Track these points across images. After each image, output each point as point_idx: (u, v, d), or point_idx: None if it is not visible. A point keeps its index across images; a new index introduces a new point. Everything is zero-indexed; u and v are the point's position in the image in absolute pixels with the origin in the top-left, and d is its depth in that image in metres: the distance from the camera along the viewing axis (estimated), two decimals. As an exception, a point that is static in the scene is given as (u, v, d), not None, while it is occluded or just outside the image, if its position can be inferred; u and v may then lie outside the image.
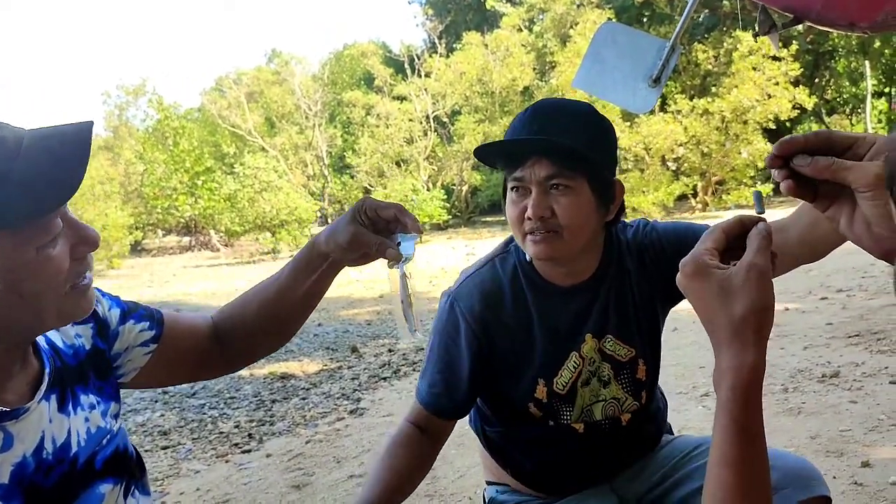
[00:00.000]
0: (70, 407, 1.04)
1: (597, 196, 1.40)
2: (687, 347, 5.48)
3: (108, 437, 1.09)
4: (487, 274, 1.53)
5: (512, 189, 1.42)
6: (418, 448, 1.48)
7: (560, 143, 1.36)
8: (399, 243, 1.16)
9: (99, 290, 1.17)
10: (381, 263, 1.21)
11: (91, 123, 0.93)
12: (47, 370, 1.02)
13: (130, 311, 1.21)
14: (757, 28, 2.28)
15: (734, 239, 0.84)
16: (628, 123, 20.28)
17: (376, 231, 1.17)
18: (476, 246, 17.18)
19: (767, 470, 0.76)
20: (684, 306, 1.13)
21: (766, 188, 17.47)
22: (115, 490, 1.08)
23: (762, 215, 0.85)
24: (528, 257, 1.49)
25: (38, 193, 0.86)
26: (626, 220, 1.60)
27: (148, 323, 1.21)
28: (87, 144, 0.90)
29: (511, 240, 1.56)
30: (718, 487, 0.76)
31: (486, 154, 1.45)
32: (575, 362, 1.48)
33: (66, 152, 0.89)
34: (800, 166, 0.76)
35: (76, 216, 0.96)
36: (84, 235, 0.94)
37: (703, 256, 0.81)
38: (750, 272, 0.77)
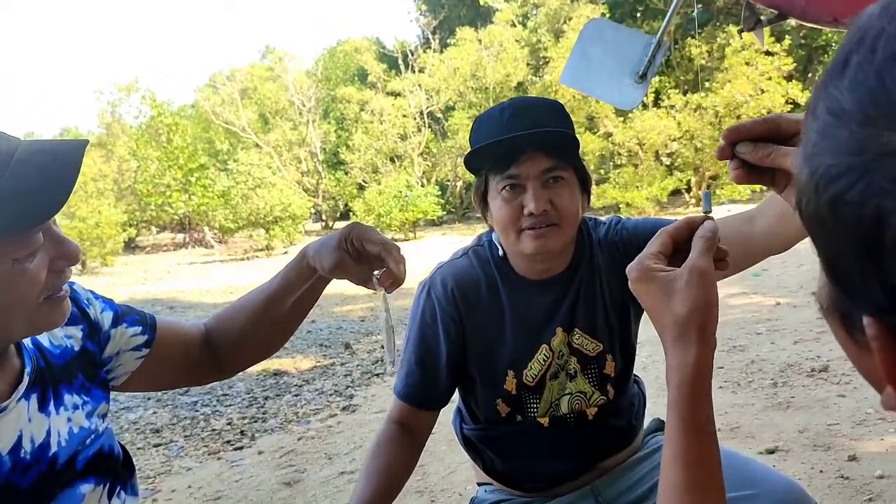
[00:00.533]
0: (51, 406, 1.04)
1: (580, 185, 1.46)
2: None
3: (93, 437, 1.09)
4: (462, 264, 1.56)
5: (504, 188, 1.42)
6: (401, 448, 1.49)
7: (557, 135, 1.39)
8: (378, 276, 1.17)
9: (92, 293, 1.18)
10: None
11: (85, 143, 0.93)
12: (28, 369, 1.02)
13: (123, 315, 1.20)
14: (742, 24, 2.28)
15: (683, 241, 0.86)
16: (622, 119, 20.30)
17: (359, 259, 1.17)
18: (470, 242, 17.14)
19: (718, 466, 0.77)
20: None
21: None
22: (97, 490, 1.07)
23: (709, 214, 0.87)
24: (500, 252, 1.52)
25: (22, 209, 0.85)
26: (600, 218, 1.64)
27: (140, 328, 1.22)
28: (78, 164, 0.90)
29: (484, 235, 1.59)
30: (669, 485, 0.77)
31: (479, 155, 1.45)
32: (545, 355, 1.51)
33: (56, 170, 0.88)
34: (742, 154, 0.79)
35: (59, 228, 0.96)
36: (64, 250, 0.94)
37: (646, 261, 0.84)
38: (692, 274, 0.79)
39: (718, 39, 21.10)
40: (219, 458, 4.16)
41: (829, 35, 21.92)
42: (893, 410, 0.40)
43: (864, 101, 0.36)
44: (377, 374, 5.88)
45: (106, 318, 1.18)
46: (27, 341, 1.05)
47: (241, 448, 4.31)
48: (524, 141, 1.38)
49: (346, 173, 27.87)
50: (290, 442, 4.32)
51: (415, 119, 27.51)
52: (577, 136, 1.47)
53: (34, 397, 1.02)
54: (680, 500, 0.76)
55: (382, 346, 1.38)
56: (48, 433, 1.02)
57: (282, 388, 5.69)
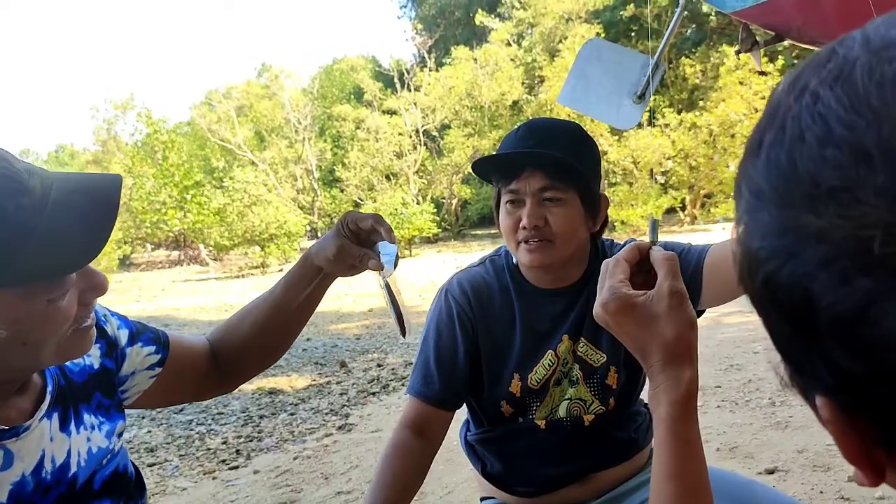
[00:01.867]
0: (72, 426, 1.04)
1: (585, 208, 1.49)
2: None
3: (109, 456, 1.09)
4: (479, 272, 1.64)
5: (507, 201, 1.50)
6: (413, 457, 1.50)
7: (554, 156, 1.44)
8: (380, 253, 1.23)
9: (108, 309, 1.18)
10: (372, 274, 1.26)
11: (120, 180, 0.92)
12: (49, 388, 1.01)
13: (139, 334, 1.20)
14: (739, 46, 2.30)
15: (635, 265, 0.87)
16: (616, 137, 20.41)
17: (360, 242, 1.22)
18: (466, 259, 17.17)
19: (706, 479, 0.79)
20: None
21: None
22: None
23: (655, 243, 0.89)
24: (514, 261, 1.59)
25: (61, 254, 0.84)
26: (616, 241, 1.69)
27: (154, 346, 1.21)
28: (116, 205, 0.89)
29: (503, 246, 1.65)
30: (661, 501, 0.78)
31: (483, 167, 1.54)
32: (550, 360, 1.55)
33: (93, 212, 0.87)
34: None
35: None
36: (94, 283, 0.94)
37: (621, 289, 0.83)
38: (673, 297, 0.81)
39: (712, 59, 21.29)
40: (214, 478, 4.12)
41: (822, 55, 22.14)
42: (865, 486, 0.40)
43: (778, 182, 0.36)
44: (373, 393, 5.85)
45: (122, 336, 1.17)
46: None
47: (236, 467, 4.27)
48: (522, 159, 1.46)
49: (342, 191, 27.93)
50: (285, 461, 4.28)
51: (410, 137, 27.62)
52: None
53: (55, 416, 1.01)
54: None
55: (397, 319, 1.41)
56: (68, 453, 1.01)
57: (277, 407, 5.65)
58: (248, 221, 20.75)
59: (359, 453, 4.28)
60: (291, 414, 5.41)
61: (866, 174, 0.31)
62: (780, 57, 19.49)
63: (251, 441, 4.78)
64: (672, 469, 0.78)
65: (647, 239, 0.89)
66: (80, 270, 0.91)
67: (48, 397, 1.01)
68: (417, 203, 24.71)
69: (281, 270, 19.80)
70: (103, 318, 1.15)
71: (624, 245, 1.60)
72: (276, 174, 28.80)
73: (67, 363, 1.08)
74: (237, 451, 4.56)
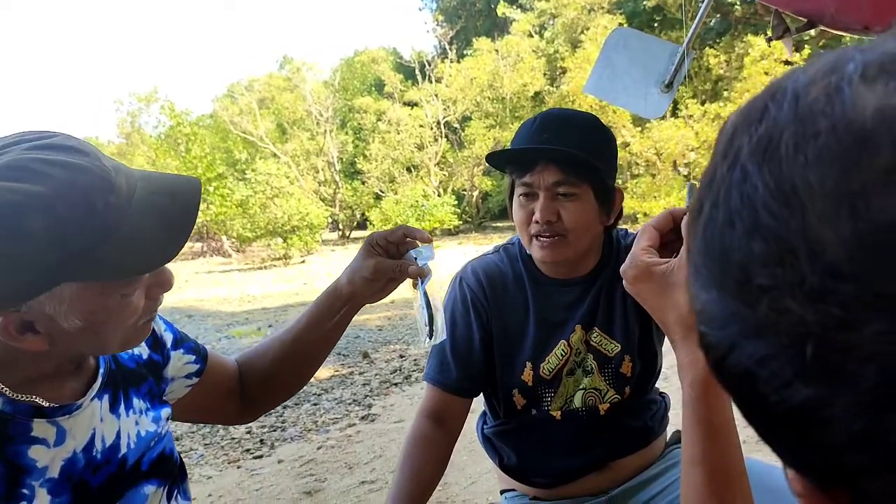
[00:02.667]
0: (122, 408, 1.07)
1: (599, 202, 1.48)
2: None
3: (156, 439, 1.12)
4: (493, 260, 1.64)
5: (520, 194, 1.49)
6: (435, 445, 1.51)
7: (567, 152, 1.43)
8: (416, 258, 1.25)
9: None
10: (404, 285, 1.28)
11: (199, 184, 0.95)
12: (101, 370, 1.05)
13: (182, 340, 1.23)
14: (770, 33, 2.26)
15: (668, 233, 0.85)
16: (639, 128, 20.26)
17: (390, 257, 1.25)
18: (487, 251, 17.14)
19: (738, 465, 0.74)
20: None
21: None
22: (158, 492, 1.10)
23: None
24: (528, 249, 1.57)
25: (141, 255, 0.87)
26: (631, 231, 1.68)
27: (194, 357, 1.24)
28: (196, 209, 0.92)
29: (517, 236, 1.64)
30: (689, 487, 0.75)
31: (497, 160, 1.54)
32: (563, 350, 1.55)
33: (174, 214, 0.90)
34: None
35: None
36: (162, 279, 0.97)
37: (641, 257, 0.81)
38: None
39: (737, 49, 21.04)
40: (238, 467, 4.16)
41: (850, 44, 21.82)
42: None
43: (713, 266, 0.34)
44: (396, 384, 5.87)
45: (168, 338, 1.21)
46: None
47: (260, 457, 4.30)
48: (537, 153, 1.45)
49: (363, 183, 27.99)
50: (309, 451, 4.31)
51: (431, 129, 27.60)
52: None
53: (106, 398, 1.05)
54: None
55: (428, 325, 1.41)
56: (118, 435, 1.05)
57: (300, 397, 5.68)
58: (271, 213, 20.84)
59: (382, 443, 4.30)
60: (315, 404, 5.44)
61: (793, 274, 0.29)
62: (806, 46, 19.23)
63: (275, 431, 4.82)
64: (696, 454, 0.74)
65: (685, 205, 0.86)
66: None
67: (99, 379, 1.04)
68: (438, 195, 24.72)
69: (303, 262, 19.92)
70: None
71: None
72: (297, 166, 28.92)
73: None
74: (261, 441, 4.60)
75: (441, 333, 1.24)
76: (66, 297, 0.85)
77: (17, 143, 0.83)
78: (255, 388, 1.33)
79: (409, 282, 1.26)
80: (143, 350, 1.16)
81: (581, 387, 1.57)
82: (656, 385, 1.70)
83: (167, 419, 1.17)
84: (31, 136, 0.85)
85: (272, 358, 1.31)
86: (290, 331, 1.30)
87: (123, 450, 1.04)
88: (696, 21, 2.55)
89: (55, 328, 0.87)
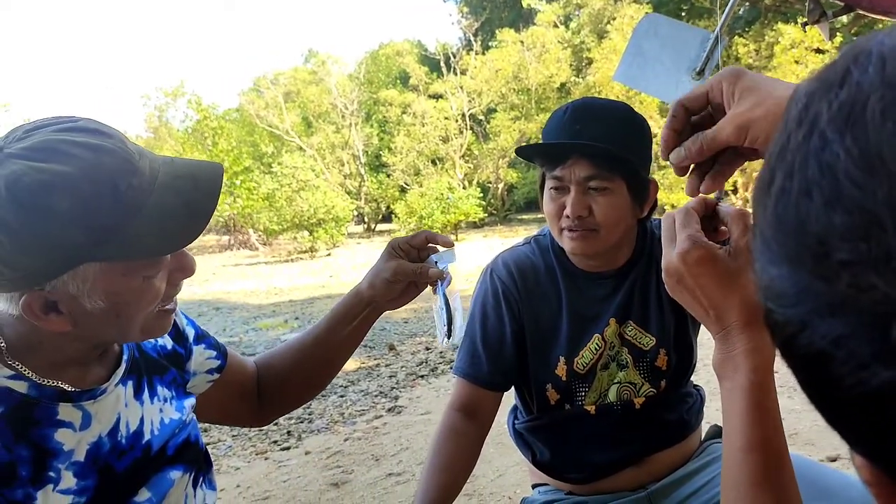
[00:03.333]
0: (145, 395, 1.08)
1: (633, 195, 1.45)
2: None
3: (181, 426, 1.12)
4: (524, 251, 1.61)
5: (551, 187, 1.46)
6: (465, 439, 1.49)
7: (600, 147, 1.39)
8: (436, 262, 1.26)
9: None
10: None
11: (221, 169, 0.97)
12: (125, 357, 1.06)
13: (203, 336, 1.25)
14: (807, 17, 2.21)
15: (704, 221, 0.82)
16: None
17: (412, 261, 1.25)
18: (512, 244, 17.09)
19: (787, 453, 0.74)
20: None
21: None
22: (184, 477, 1.10)
23: (720, 201, 0.83)
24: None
25: (164, 235, 0.88)
26: None
27: (215, 353, 1.25)
28: (218, 192, 0.93)
29: (547, 226, 1.61)
30: (740, 474, 0.73)
31: (527, 153, 1.51)
32: (597, 344, 1.52)
33: (197, 197, 0.91)
34: (682, 162, 0.76)
35: None
36: (184, 264, 0.98)
37: (702, 238, 0.77)
38: (752, 254, 0.75)
39: (767, 37, 20.71)
40: (266, 458, 4.18)
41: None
42: None
43: (787, 240, 0.32)
44: (422, 376, 5.87)
45: (190, 333, 1.22)
46: None
47: (287, 448, 4.32)
48: (568, 148, 1.42)
49: (388, 176, 28.03)
50: (336, 443, 4.32)
51: (456, 121, 27.55)
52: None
53: (130, 384, 1.06)
54: (753, 491, 0.71)
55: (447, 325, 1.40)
56: (141, 421, 1.05)
57: (327, 389, 5.69)
58: (297, 206, 20.96)
59: (409, 435, 4.29)
60: (341, 396, 5.46)
61: (879, 248, 0.27)
62: (838, 34, 18.88)
63: (302, 423, 4.84)
64: (755, 440, 0.73)
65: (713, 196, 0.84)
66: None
67: (123, 365, 1.05)
68: (463, 187, 24.67)
69: (329, 255, 20.02)
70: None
71: None
72: (323, 159, 29.02)
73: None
74: (288, 433, 4.62)
75: (459, 334, 1.25)
76: (89, 277, 0.86)
77: (44, 126, 0.85)
78: (272, 390, 1.33)
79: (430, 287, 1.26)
80: (166, 341, 1.17)
81: (616, 381, 1.54)
82: (690, 378, 1.67)
83: (192, 408, 1.17)
84: (56, 120, 0.87)
85: (291, 360, 1.31)
86: (310, 333, 1.31)
87: (147, 436, 1.05)
88: (728, 5, 2.49)
89: (78, 309, 0.88)
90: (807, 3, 2.20)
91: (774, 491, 0.71)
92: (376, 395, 5.39)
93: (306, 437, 4.50)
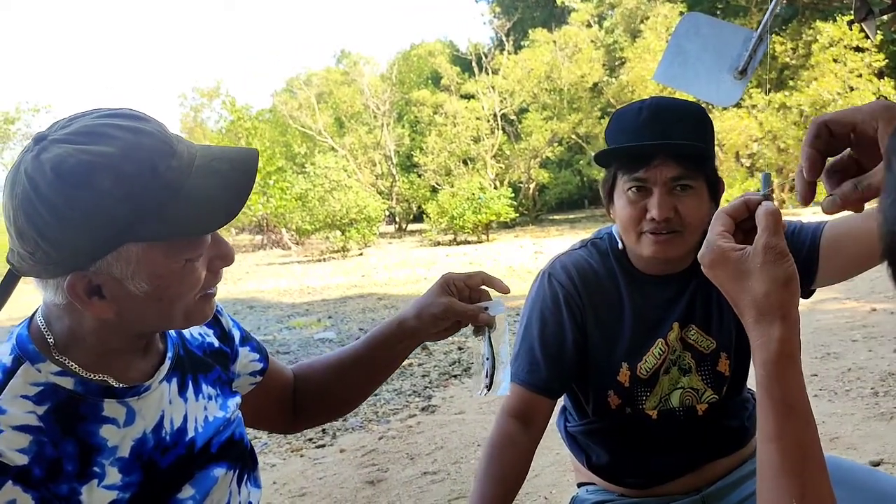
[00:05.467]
0: (189, 392, 1.09)
1: (710, 194, 1.45)
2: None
3: (225, 424, 1.13)
4: (582, 255, 1.58)
5: (630, 188, 1.43)
6: (520, 447, 1.46)
7: (689, 146, 1.39)
8: (486, 308, 1.23)
9: (220, 306, 1.22)
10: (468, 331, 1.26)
11: (257, 153, 0.98)
12: (170, 354, 1.07)
13: (248, 338, 1.26)
14: (853, 15, 2.17)
15: (743, 221, 0.85)
16: (701, 119, 19.83)
17: (462, 300, 1.24)
18: (544, 244, 17.03)
19: (814, 444, 0.76)
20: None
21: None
22: (228, 475, 1.11)
23: (767, 196, 0.84)
24: (620, 245, 1.53)
25: (205, 213, 0.90)
26: None
27: (258, 355, 1.27)
28: (254, 172, 0.95)
29: (603, 229, 1.61)
30: (765, 463, 0.77)
31: (608, 157, 1.48)
32: (660, 349, 1.50)
33: (235, 177, 0.93)
34: (835, 210, 0.77)
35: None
36: (222, 251, 0.99)
37: (717, 242, 0.83)
38: (767, 252, 0.78)
39: (804, 36, 20.38)
40: (301, 456, 4.22)
41: (924, 29, 20.94)
42: None
43: None
44: (455, 376, 5.87)
45: (236, 334, 1.24)
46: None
47: (322, 446, 4.36)
48: (658, 149, 1.39)
49: (420, 176, 28.05)
50: (371, 441, 4.34)
51: (488, 121, 27.49)
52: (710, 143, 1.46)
53: (174, 381, 1.07)
54: (777, 482, 0.74)
55: (483, 366, 1.35)
56: (185, 418, 1.06)
57: (361, 388, 5.73)
58: (329, 206, 21.06)
59: (443, 434, 4.30)
60: (375, 395, 5.47)
61: None
62: (878, 32, 18.53)
63: (336, 420, 4.87)
64: (772, 431, 0.76)
65: (759, 194, 0.84)
66: (213, 238, 0.96)
67: (167, 362, 1.06)
68: (495, 188, 24.59)
69: (361, 254, 20.08)
70: (220, 309, 1.20)
71: None
72: (355, 160, 29.14)
73: (188, 336, 1.14)
74: (323, 431, 4.65)
75: (502, 387, 1.19)
76: (132, 258, 0.88)
77: (86, 115, 0.90)
78: (308, 402, 1.34)
79: (471, 327, 1.24)
80: (212, 340, 1.18)
81: (679, 386, 1.52)
82: (746, 383, 1.65)
83: (237, 406, 1.18)
84: (97, 110, 0.91)
85: (330, 375, 1.32)
86: (349, 352, 1.31)
87: (191, 433, 1.06)
88: (772, 3, 2.46)
89: (122, 293, 0.90)
90: (854, 1, 2.16)
91: (799, 480, 0.74)
92: (410, 395, 5.40)
93: (341, 436, 4.53)
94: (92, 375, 0.95)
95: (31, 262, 0.88)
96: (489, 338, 1.22)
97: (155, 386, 1.02)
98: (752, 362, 0.80)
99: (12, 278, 0.97)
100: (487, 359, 1.21)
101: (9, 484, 0.84)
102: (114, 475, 0.94)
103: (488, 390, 1.20)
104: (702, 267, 0.84)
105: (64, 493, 0.88)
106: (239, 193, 0.93)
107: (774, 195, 0.84)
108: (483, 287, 1.25)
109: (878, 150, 0.73)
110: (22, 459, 0.85)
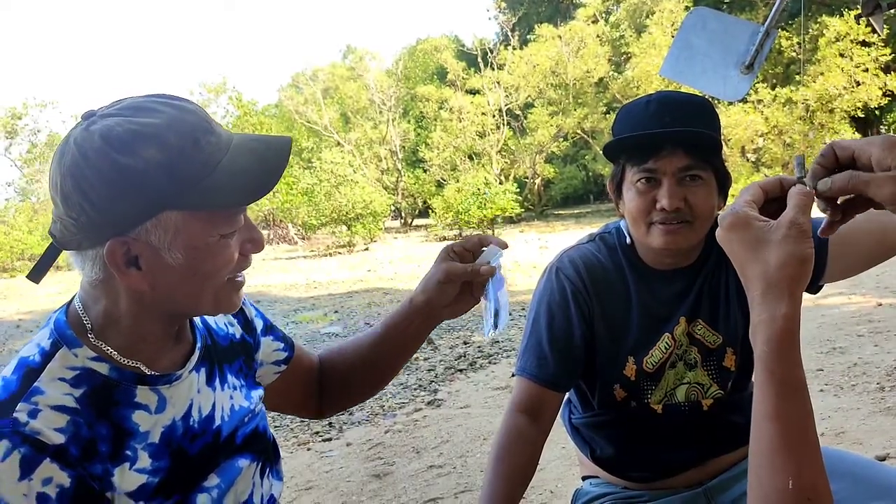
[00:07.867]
0: (217, 382, 1.11)
1: (719, 186, 1.44)
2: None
3: (250, 415, 1.15)
4: (589, 249, 1.57)
5: (639, 180, 1.42)
6: (530, 442, 1.46)
7: (699, 134, 1.39)
8: (488, 262, 1.25)
9: (245, 300, 1.23)
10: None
11: (290, 138, 1.03)
12: (198, 345, 1.09)
13: (271, 328, 1.28)
14: (861, 9, 2.18)
15: (769, 203, 0.84)
16: (707, 114, 19.78)
17: (463, 260, 1.26)
18: (549, 239, 17.03)
19: (811, 425, 0.75)
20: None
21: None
22: (252, 466, 1.13)
23: (802, 180, 0.82)
24: (628, 240, 1.53)
25: (241, 185, 0.94)
26: None
27: (283, 344, 1.29)
28: (288, 152, 0.99)
29: (611, 223, 1.60)
30: (761, 441, 0.76)
31: (617, 148, 1.47)
32: (667, 343, 1.50)
33: (270, 155, 0.98)
34: (825, 192, 0.78)
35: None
36: (254, 236, 1.02)
37: (743, 208, 0.81)
38: (791, 228, 0.76)
39: (811, 30, 20.30)
40: (308, 449, 4.24)
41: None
42: None
43: None
44: (461, 370, 5.88)
45: (258, 324, 1.26)
46: (197, 319, 1.13)
47: (329, 440, 4.38)
48: (665, 137, 1.39)
49: (425, 171, 28.08)
50: (377, 435, 4.36)
51: (493, 116, 27.49)
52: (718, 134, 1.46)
53: (203, 371, 1.09)
54: (773, 460, 0.74)
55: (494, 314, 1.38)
56: (213, 407, 1.09)
57: (367, 382, 5.75)
58: (335, 201, 21.11)
59: (449, 428, 4.32)
60: (381, 389, 5.50)
61: None
62: (885, 27, 18.43)
63: (342, 414, 4.88)
64: (771, 409, 0.75)
65: (794, 176, 0.85)
66: (245, 222, 1.00)
67: (197, 352, 1.08)
68: (500, 182, 24.59)
69: (367, 249, 20.12)
70: (245, 300, 1.21)
71: None
72: (361, 155, 29.18)
73: (214, 327, 1.17)
74: (330, 424, 4.67)
75: (502, 325, 1.24)
76: (170, 226, 0.92)
77: (131, 97, 0.96)
78: (333, 386, 1.36)
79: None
80: (236, 330, 1.20)
81: (684, 381, 1.52)
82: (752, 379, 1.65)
83: (260, 399, 1.20)
84: (141, 94, 0.98)
85: (352, 361, 1.34)
86: (368, 336, 1.34)
87: (218, 421, 1.08)
88: (779, -1, 2.46)
89: (158, 264, 0.93)
90: (860, -4, 2.16)
91: (796, 459, 0.73)
92: (415, 389, 5.42)
93: (347, 429, 4.55)
94: (126, 361, 0.97)
95: (74, 228, 0.91)
96: (490, 282, 1.25)
97: (185, 375, 1.05)
98: (752, 340, 0.79)
99: (53, 251, 1.01)
100: (491, 301, 1.24)
101: (46, 462, 0.86)
102: (144, 459, 0.96)
103: (494, 329, 1.24)
104: (720, 229, 0.82)
105: (98, 473, 0.91)
106: (273, 170, 0.97)
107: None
108: (483, 248, 1.26)
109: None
110: (59, 438, 0.88)
